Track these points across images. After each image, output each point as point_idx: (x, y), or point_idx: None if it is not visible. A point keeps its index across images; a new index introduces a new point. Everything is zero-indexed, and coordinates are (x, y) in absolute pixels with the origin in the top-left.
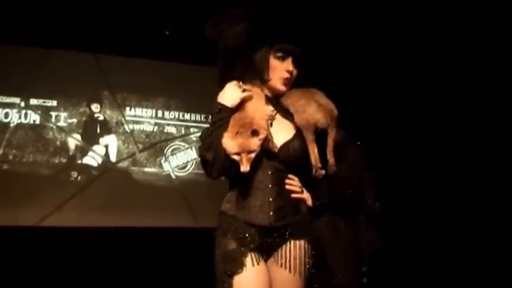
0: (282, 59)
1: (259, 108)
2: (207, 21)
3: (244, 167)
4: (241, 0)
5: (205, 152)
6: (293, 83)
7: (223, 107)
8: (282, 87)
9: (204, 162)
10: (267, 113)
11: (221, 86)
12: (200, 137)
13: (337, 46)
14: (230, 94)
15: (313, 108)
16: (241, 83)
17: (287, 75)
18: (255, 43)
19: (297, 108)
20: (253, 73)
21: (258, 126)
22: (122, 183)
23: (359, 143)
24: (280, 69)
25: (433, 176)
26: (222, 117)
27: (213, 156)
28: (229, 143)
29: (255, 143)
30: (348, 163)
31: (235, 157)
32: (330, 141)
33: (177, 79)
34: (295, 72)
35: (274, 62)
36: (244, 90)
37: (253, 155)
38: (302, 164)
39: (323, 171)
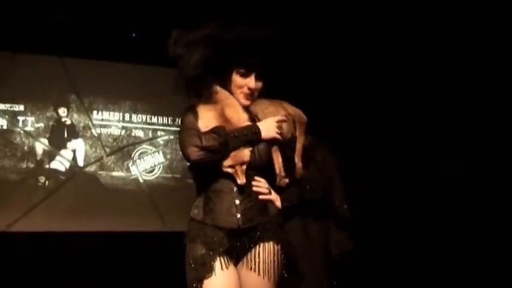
0: (245, 75)
1: (240, 117)
2: (167, 40)
3: (241, 180)
4: (207, 6)
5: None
6: (261, 93)
7: (258, 135)
8: (244, 101)
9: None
10: (247, 120)
11: (190, 107)
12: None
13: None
14: (269, 128)
15: (282, 115)
16: (282, 124)
17: (248, 91)
18: (215, 66)
19: (266, 116)
20: (221, 83)
21: None
22: (89, 188)
23: (327, 145)
24: (241, 85)
25: (403, 176)
26: (248, 138)
27: (219, 145)
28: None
29: (247, 153)
30: (316, 164)
31: (229, 170)
32: (299, 146)
33: (144, 82)
34: (258, 86)
35: (236, 78)
36: (280, 132)
37: (245, 166)
38: (268, 166)
39: (287, 180)
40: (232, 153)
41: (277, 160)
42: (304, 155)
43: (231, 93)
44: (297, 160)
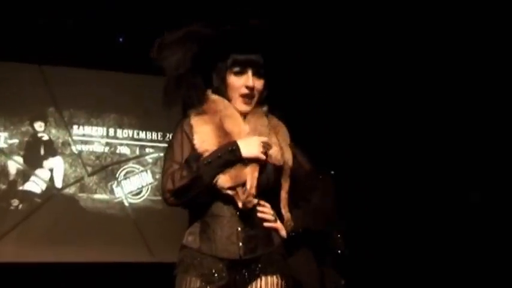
0: (240, 73)
1: (240, 130)
2: (151, 48)
3: (243, 203)
4: (198, 7)
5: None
6: (262, 98)
7: (237, 152)
8: (243, 107)
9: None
10: (248, 133)
11: (185, 115)
12: (166, 156)
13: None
14: (252, 147)
15: (270, 140)
16: (267, 144)
17: (245, 91)
18: (204, 67)
19: (255, 131)
20: (215, 89)
21: None
22: (68, 212)
23: (331, 172)
24: (238, 86)
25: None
26: (225, 160)
27: (190, 181)
28: (221, 177)
29: (249, 173)
30: (320, 193)
31: (229, 192)
32: (284, 195)
33: (131, 92)
34: (258, 85)
35: (231, 79)
36: (266, 152)
37: (248, 187)
38: (274, 189)
39: (255, 200)
40: (232, 172)
41: (253, 174)
42: (306, 184)
43: (230, 100)
44: (284, 211)
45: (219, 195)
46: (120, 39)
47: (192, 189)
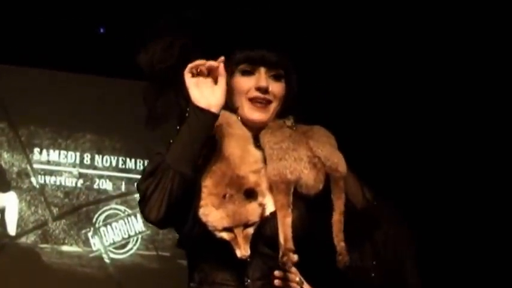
0: (250, 72)
1: (244, 155)
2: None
3: (243, 251)
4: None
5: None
6: (286, 108)
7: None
8: (254, 114)
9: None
10: (259, 160)
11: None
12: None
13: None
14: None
15: (298, 159)
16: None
17: (256, 93)
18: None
19: (273, 152)
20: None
21: (253, 184)
22: (25, 268)
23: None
24: (246, 88)
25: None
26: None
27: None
28: (214, 213)
29: (254, 210)
30: (375, 245)
31: (225, 235)
32: (337, 217)
33: (116, 105)
34: (275, 88)
35: (238, 81)
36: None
37: (251, 230)
38: (303, 244)
39: (295, 257)
40: (231, 209)
41: (284, 222)
42: (353, 229)
43: (236, 110)
44: (337, 240)
45: (216, 249)
46: (101, 30)
47: (159, 181)
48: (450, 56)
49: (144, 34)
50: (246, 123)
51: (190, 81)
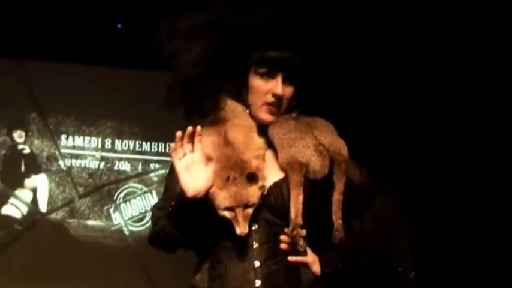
0: (267, 76)
1: (247, 141)
2: (158, 36)
3: (242, 228)
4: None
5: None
6: (291, 107)
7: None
8: (265, 117)
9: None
10: (261, 147)
11: (188, 121)
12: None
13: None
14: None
15: (306, 147)
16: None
17: (272, 99)
18: (223, 66)
19: (283, 141)
20: (231, 92)
21: (255, 168)
22: (55, 242)
23: (389, 187)
24: (263, 92)
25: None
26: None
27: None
28: (219, 193)
29: (254, 193)
30: (372, 215)
31: (226, 214)
32: (337, 196)
33: (133, 94)
34: (288, 92)
35: (255, 81)
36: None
37: (251, 211)
38: (306, 220)
39: (303, 232)
40: (233, 190)
41: (296, 199)
42: (354, 201)
43: (248, 106)
44: (335, 217)
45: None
46: (119, 26)
47: (161, 235)
48: (449, 54)
49: (172, 30)
50: (255, 119)
51: (180, 167)
